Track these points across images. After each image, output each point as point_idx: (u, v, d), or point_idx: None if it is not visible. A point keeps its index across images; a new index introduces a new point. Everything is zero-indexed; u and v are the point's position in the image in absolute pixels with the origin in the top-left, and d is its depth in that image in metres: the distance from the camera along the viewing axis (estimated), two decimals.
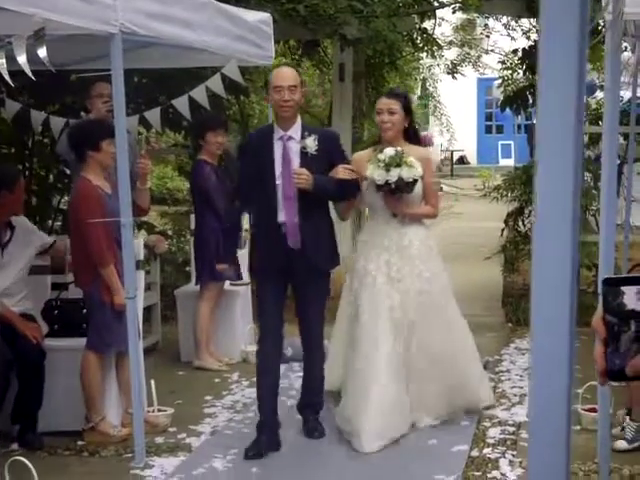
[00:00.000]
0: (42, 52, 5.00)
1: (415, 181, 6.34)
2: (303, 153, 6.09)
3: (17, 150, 10.98)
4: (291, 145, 6.13)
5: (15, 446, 6.14)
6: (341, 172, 6.14)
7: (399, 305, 6.50)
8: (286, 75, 6.16)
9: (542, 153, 1.32)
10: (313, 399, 6.52)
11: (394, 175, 6.20)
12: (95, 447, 6.27)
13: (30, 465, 5.18)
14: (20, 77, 5.14)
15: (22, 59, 4.93)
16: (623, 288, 1.50)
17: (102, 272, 6.16)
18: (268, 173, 6.08)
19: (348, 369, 6.57)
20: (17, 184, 6.51)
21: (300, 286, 6.34)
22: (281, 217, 6.08)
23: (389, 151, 6.30)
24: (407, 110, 6.65)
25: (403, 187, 6.30)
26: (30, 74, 4.99)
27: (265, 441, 6.11)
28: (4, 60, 4.91)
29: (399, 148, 6.34)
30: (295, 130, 6.16)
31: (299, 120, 6.28)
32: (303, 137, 6.10)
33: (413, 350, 6.54)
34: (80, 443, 6.32)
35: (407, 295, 6.55)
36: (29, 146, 10.83)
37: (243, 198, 6.55)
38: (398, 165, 6.21)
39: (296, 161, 6.09)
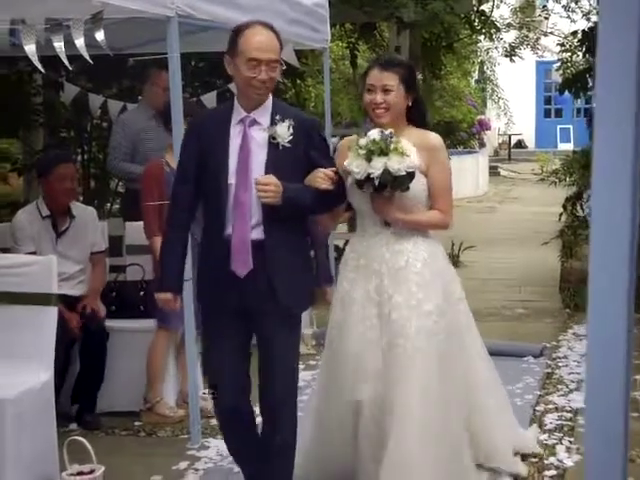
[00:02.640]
0: (100, 36, 5.03)
1: (410, 174, 4.45)
2: (272, 144, 4.26)
3: (76, 134, 11.11)
4: (254, 132, 4.31)
5: (74, 426, 6.22)
6: (321, 180, 4.30)
7: (388, 348, 4.65)
8: (266, 44, 4.28)
9: (599, 135, 1.30)
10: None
11: (378, 166, 4.35)
12: (152, 428, 6.32)
13: (88, 445, 5.23)
14: (78, 61, 5.17)
15: (80, 43, 4.95)
16: None
17: (150, 243, 6.20)
18: (218, 168, 4.29)
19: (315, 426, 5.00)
20: (53, 171, 6.42)
21: (259, 335, 4.50)
22: (228, 229, 4.28)
23: (373, 134, 4.46)
24: (409, 85, 4.72)
25: (391, 183, 4.42)
26: (88, 58, 5.02)
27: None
28: (62, 44, 4.94)
29: (388, 130, 4.48)
30: (263, 112, 4.34)
31: (270, 99, 4.41)
32: (273, 122, 4.27)
33: (397, 416, 4.59)
34: (137, 424, 6.39)
35: (399, 335, 4.61)
36: (87, 130, 10.93)
37: (179, 214, 4.54)
38: (383, 153, 4.36)
39: (259, 154, 4.30)
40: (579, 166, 10.47)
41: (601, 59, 1.29)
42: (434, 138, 4.85)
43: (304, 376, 6.63)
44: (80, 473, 5.24)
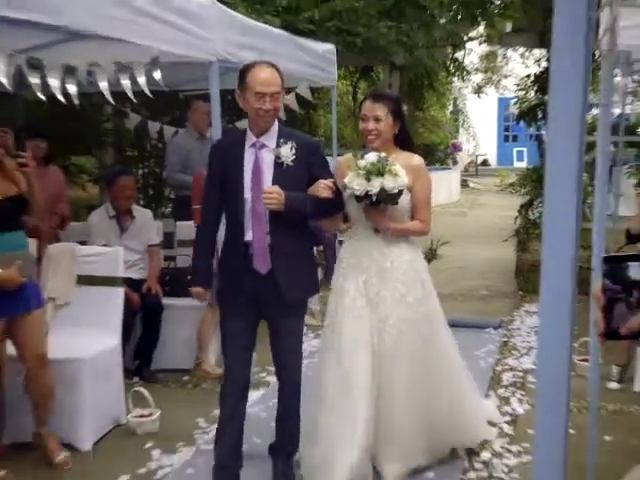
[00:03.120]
0: (157, 75, 5.03)
1: (400, 192, 4.35)
2: (277, 164, 4.17)
3: (138, 153, 11.15)
4: (264, 154, 4.19)
5: (136, 379, 6.25)
6: (321, 189, 4.17)
7: (377, 333, 4.52)
8: (269, 80, 4.13)
9: (551, 156, 1.30)
10: (286, 445, 4.60)
11: (376, 185, 4.26)
12: (197, 381, 6.37)
13: (147, 394, 5.34)
14: (140, 95, 5.18)
15: (142, 81, 4.96)
16: (629, 263, 1.48)
17: None
18: (236, 185, 4.19)
19: (320, 407, 4.58)
20: (116, 181, 6.57)
21: (271, 318, 4.37)
22: (248, 236, 4.19)
23: (371, 157, 4.33)
24: (396, 115, 4.57)
25: (385, 199, 4.35)
26: (148, 92, 5.03)
27: None
28: (128, 82, 4.95)
29: (382, 154, 4.37)
30: (270, 136, 4.21)
31: (276, 125, 4.25)
32: (278, 145, 4.18)
33: (387, 389, 4.52)
34: (185, 378, 6.43)
35: (386, 322, 4.52)
36: (147, 149, 10.97)
37: (209, 213, 4.44)
38: (380, 173, 4.28)
39: (269, 173, 4.18)
40: (531, 180, 10.49)
41: (553, 95, 1.29)
42: (418, 159, 4.66)
43: (315, 343, 6.68)
44: (141, 416, 5.38)
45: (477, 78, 21.64)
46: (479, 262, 11.86)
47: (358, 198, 4.34)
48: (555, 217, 1.27)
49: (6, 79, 3.67)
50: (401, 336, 4.49)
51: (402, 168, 4.35)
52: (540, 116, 12.03)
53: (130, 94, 5.02)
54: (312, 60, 7.74)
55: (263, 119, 4.12)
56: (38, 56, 4.49)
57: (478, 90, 22.09)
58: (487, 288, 10.18)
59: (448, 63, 12.21)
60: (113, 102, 4.99)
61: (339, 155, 9.33)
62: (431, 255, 11.93)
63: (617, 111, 8.86)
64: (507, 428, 5.32)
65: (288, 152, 4.12)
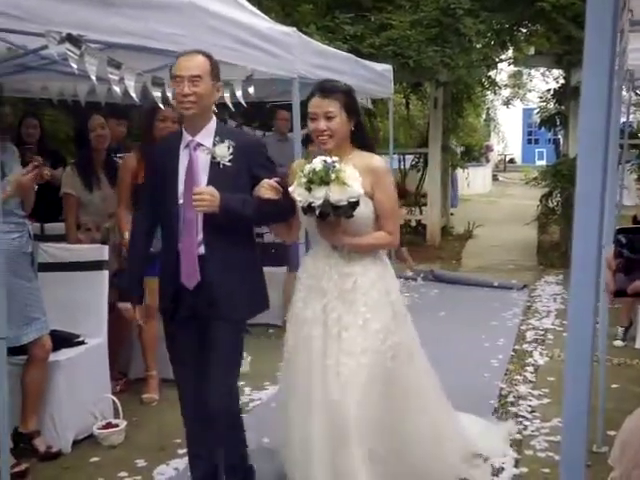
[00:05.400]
0: (251, 89, 5.05)
1: (352, 204, 2.90)
2: (213, 164, 3.01)
3: None
4: (199, 154, 3.03)
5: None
6: (264, 189, 3.00)
7: (335, 366, 3.03)
8: (187, 63, 2.99)
9: (581, 155, 1.27)
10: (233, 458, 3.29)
11: (318, 196, 2.86)
12: (281, 334, 6.07)
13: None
14: (237, 105, 5.22)
15: (239, 94, 4.98)
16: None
17: None
18: (169, 190, 3.04)
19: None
20: None
21: (208, 333, 3.07)
22: (180, 245, 3.04)
23: (315, 163, 2.91)
24: (350, 110, 3.09)
25: (332, 212, 2.91)
26: (244, 103, 5.06)
27: None
28: (229, 94, 4.99)
29: (330, 158, 2.92)
30: (206, 135, 3.05)
31: (214, 122, 3.10)
32: (214, 144, 3.03)
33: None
34: (270, 331, 6.24)
35: (348, 354, 3.02)
36: None
37: (143, 220, 3.23)
38: (324, 182, 2.85)
39: (204, 174, 3.02)
40: (550, 175, 10.27)
41: (584, 100, 1.26)
42: (377, 161, 3.14)
43: None
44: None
45: (506, 92, 21.36)
46: (507, 241, 11.69)
47: (303, 210, 2.97)
48: (585, 204, 1.25)
49: (135, 93, 3.75)
50: (361, 369, 3.01)
51: (360, 171, 2.95)
52: (558, 123, 11.80)
53: (230, 104, 5.06)
54: (372, 77, 7.75)
55: (183, 106, 2.97)
56: (160, 75, 4.57)
57: (507, 102, 21.85)
58: (513, 262, 10.05)
59: (483, 80, 11.98)
60: (216, 110, 5.03)
61: (394, 154, 9.39)
62: (468, 235, 11.82)
63: (623, 119, 8.67)
64: (530, 376, 5.26)
65: (225, 151, 3.00)
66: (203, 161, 3.02)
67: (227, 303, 3.03)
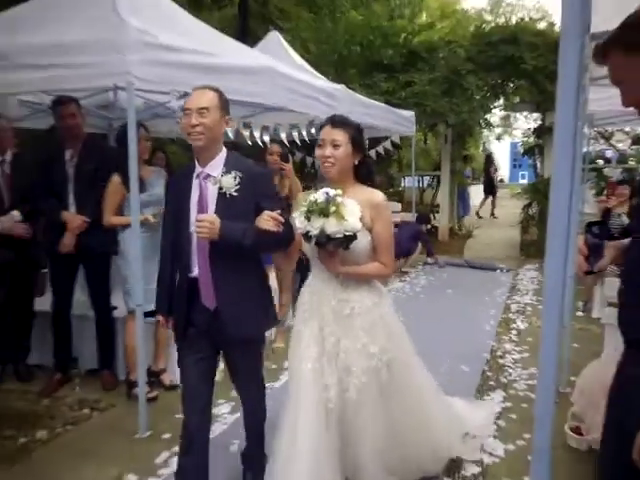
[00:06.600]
0: (313, 130, 5.07)
1: (348, 237, 2.30)
2: (220, 194, 2.36)
3: (300, 174, 11.12)
4: (209, 185, 2.39)
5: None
6: (264, 221, 2.29)
7: (334, 387, 2.42)
8: (197, 97, 2.36)
9: (554, 175, 1.25)
10: (253, 450, 2.72)
11: (316, 226, 2.29)
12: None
13: None
14: (302, 142, 5.25)
15: (304, 133, 5.03)
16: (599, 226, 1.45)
17: None
18: (183, 219, 2.42)
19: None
20: None
21: (227, 353, 2.53)
22: (195, 271, 2.41)
23: (318, 195, 2.33)
24: (356, 144, 2.44)
25: (327, 243, 2.32)
26: (307, 139, 5.08)
27: None
28: (297, 133, 5.03)
29: (333, 191, 2.31)
30: (215, 166, 2.40)
31: (223, 153, 2.43)
32: (222, 174, 2.38)
33: (352, 437, 2.47)
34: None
35: (349, 373, 2.43)
36: (305, 172, 11.02)
37: (168, 248, 2.53)
38: (324, 214, 2.28)
39: (213, 204, 2.38)
40: (530, 191, 10.12)
41: (557, 141, 1.24)
42: (379, 196, 2.45)
43: None
44: None
45: (498, 130, 21.01)
46: (498, 239, 11.44)
47: (305, 237, 2.37)
48: (557, 209, 1.22)
49: (231, 134, 3.80)
50: (363, 386, 2.44)
51: (361, 205, 2.36)
52: (536, 153, 11.57)
53: (297, 141, 5.10)
54: (400, 120, 7.75)
55: (191, 137, 2.34)
56: (248, 120, 4.63)
57: (498, 137, 21.62)
58: (502, 254, 9.84)
59: (481, 122, 11.72)
60: (288, 144, 5.07)
61: (415, 176, 9.36)
62: (468, 235, 11.62)
63: (584, 149, 8.45)
64: (514, 337, 5.14)
65: (231, 182, 2.35)
66: (211, 191, 2.38)
67: (238, 323, 2.40)
